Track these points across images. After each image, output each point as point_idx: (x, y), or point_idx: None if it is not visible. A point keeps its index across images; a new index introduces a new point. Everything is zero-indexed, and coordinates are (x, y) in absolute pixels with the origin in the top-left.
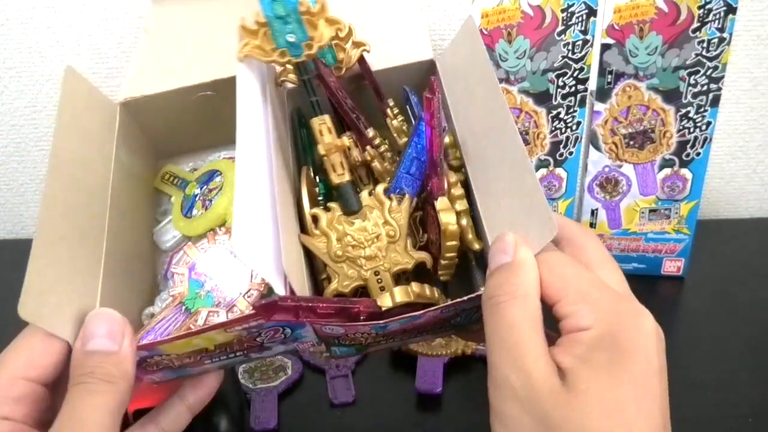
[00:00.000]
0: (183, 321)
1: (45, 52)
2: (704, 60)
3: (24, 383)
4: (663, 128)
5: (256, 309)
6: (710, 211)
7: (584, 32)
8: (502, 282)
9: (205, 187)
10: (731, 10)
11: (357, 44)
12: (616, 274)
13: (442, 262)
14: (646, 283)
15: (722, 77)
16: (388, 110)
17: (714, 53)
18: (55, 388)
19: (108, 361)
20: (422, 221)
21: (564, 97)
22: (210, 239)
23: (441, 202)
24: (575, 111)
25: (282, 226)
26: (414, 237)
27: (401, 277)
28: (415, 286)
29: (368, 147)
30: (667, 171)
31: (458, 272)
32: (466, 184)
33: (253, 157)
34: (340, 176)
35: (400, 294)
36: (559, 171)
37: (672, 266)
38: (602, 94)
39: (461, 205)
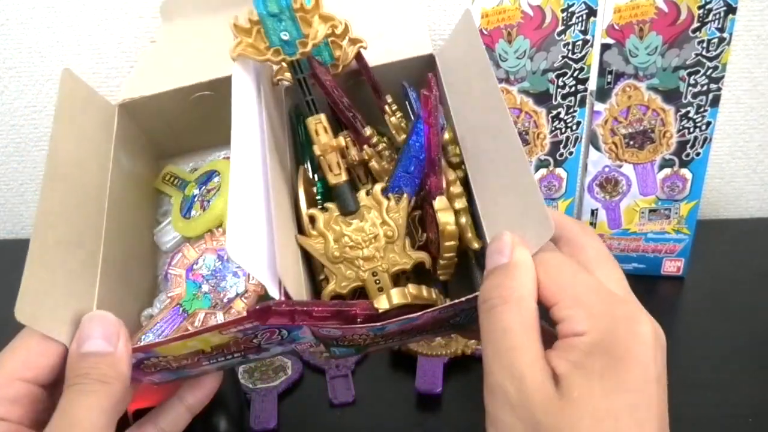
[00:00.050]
0: (180, 323)
1: (45, 52)
2: (704, 60)
3: (21, 384)
4: (663, 128)
5: (249, 314)
6: (710, 211)
7: (584, 32)
8: (497, 285)
9: (203, 187)
10: (731, 10)
11: (354, 41)
12: (616, 274)
13: (441, 261)
14: (646, 283)
15: (722, 77)
16: (386, 107)
17: (714, 53)
18: (53, 390)
19: (103, 362)
20: (421, 220)
21: (564, 97)
22: (207, 240)
23: (439, 202)
24: (575, 111)
25: (277, 228)
26: (413, 236)
27: (400, 278)
28: (412, 288)
29: (365, 146)
30: (667, 171)
31: (458, 271)
32: (465, 181)
33: (248, 158)
34: (336, 176)
35: (397, 296)
36: (559, 171)
37: (672, 266)
38: (602, 94)
39: (460, 203)
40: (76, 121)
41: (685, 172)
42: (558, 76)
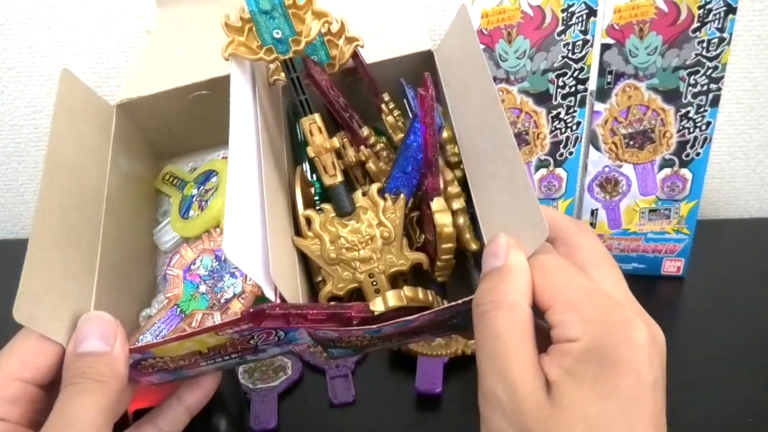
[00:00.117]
0: (178, 323)
1: (45, 52)
2: (704, 60)
3: (19, 384)
4: (663, 128)
5: (243, 317)
6: (710, 211)
7: (584, 32)
8: (490, 289)
9: (201, 187)
10: (731, 10)
11: (350, 39)
12: (614, 275)
13: (439, 263)
14: (646, 283)
15: (722, 77)
16: (383, 106)
17: (714, 53)
18: (51, 390)
19: (100, 362)
20: (419, 221)
21: (564, 97)
22: (205, 241)
23: (437, 203)
24: (575, 111)
25: (271, 231)
26: (411, 238)
27: (398, 279)
28: (407, 290)
29: (362, 147)
30: (667, 171)
31: (457, 272)
32: (464, 181)
33: (245, 159)
34: (332, 177)
35: (393, 298)
36: (559, 171)
37: (672, 266)
38: (602, 94)
39: (458, 203)
40: (74, 122)
41: (685, 172)
42: (558, 76)
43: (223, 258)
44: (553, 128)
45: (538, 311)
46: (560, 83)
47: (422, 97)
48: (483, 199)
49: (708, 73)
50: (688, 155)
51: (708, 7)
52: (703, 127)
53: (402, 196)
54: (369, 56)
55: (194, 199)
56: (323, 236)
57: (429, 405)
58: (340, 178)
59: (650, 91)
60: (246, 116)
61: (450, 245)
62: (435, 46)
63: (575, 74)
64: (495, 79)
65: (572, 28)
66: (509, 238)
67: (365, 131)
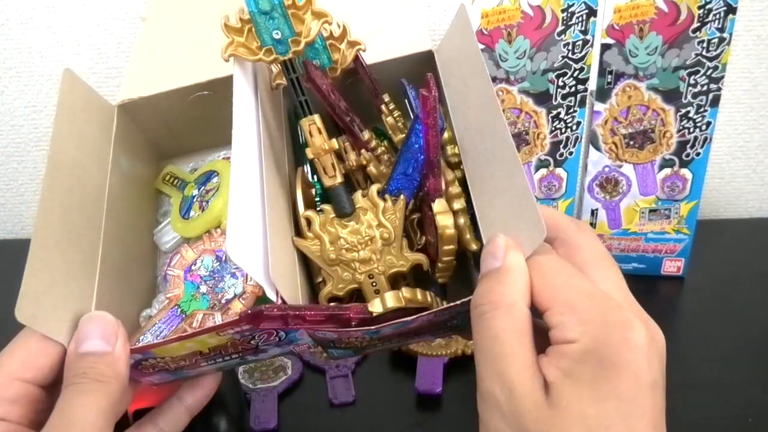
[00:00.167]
0: (178, 323)
1: (45, 52)
2: (704, 60)
3: (20, 384)
4: (663, 128)
5: (242, 318)
6: (710, 211)
7: (584, 32)
8: (488, 290)
9: (202, 188)
10: (731, 10)
11: (352, 44)
12: (614, 275)
13: (439, 265)
14: (646, 283)
15: (722, 77)
16: (383, 107)
17: (714, 53)
18: (53, 390)
19: (101, 362)
20: (420, 223)
21: (564, 97)
22: (206, 241)
23: (438, 205)
24: (575, 111)
25: (271, 232)
26: (411, 239)
27: (398, 280)
28: (406, 291)
29: (363, 150)
30: (667, 171)
31: (457, 272)
32: (464, 181)
33: (247, 161)
34: (331, 178)
35: (391, 299)
36: (559, 171)
37: (672, 266)
38: (602, 94)
39: (459, 203)
40: (76, 122)
41: (685, 172)
42: (558, 76)
43: (223, 258)
44: (553, 128)
45: (537, 312)
46: (560, 83)
47: (425, 98)
48: (482, 199)
49: (708, 73)
50: (688, 155)
51: (708, 7)
52: (703, 127)
53: (402, 196)
54: (369, 56)
55: (195, 200)
56: (323, 237)
57: (429, 405)
58: (339, 179)
59: (650, 91)
60: (248, 118)
61: (451, 247)
62: (435, 47)
63: (575, 74)
64: (495, 79)
65: (572, 28)
66: (507, 238)
67: (366, 135)
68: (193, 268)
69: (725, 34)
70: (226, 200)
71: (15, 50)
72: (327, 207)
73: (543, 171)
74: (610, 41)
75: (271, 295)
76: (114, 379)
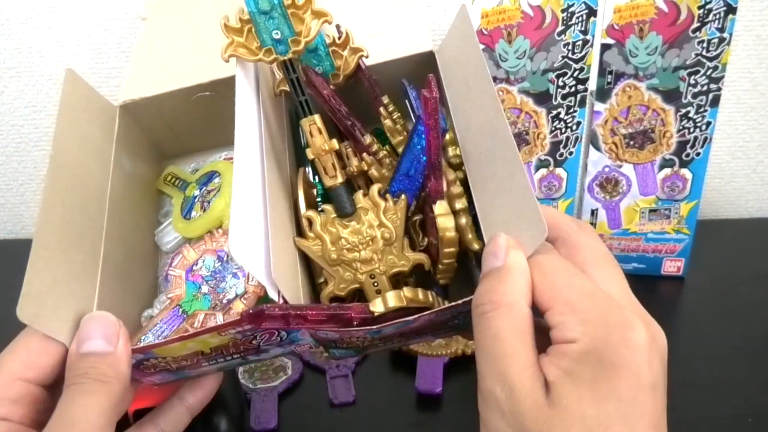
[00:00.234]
0: (180, 323)
1: (45, 52)
2: (704, 60)
3: (22, 384)
4: (663, 128)
5: (243, 317)
6: (710, 211)
7: (584, 32)
8: (489, 289)
9: (204, 188)
10: (731, 10)
11: (355, 50)
12: (616, 275)
13: (440, 266)
14: (646, 283)
15: (722, 77)
16: (381, 109)
17: (714, 53)
18: (54, 390)
19: (103, 362)
20: (422, 225)
21: (564, 97)
22: (207, 241)
23: (439, 207)
24: (575, 111)
25: (273, 232)
26: (413, 240)
27: (400, 280)
28: (407, 291)
29: (365, 154)
30: (667, 171)
31: (459, 271)
32: (465, 181)
33: (250, 160)
34: (332, 179)
35: (392, 299)
36: (559, 171)
37: (672, 266)
38: (602, 94)
39: (460, 203)
40: (78, 122)
41: (685, 172)
42: (558, 76)
43: (225, 258)
44: (553, 128)
45: (538, 311)
46: (560, 83)
47: (426, 99)
48: (483, 199)
49: (708, 73)
50: (688, 155)
51: (708, 7)
52: (703, 127)
53: (403, 196)
54: (370, 57)
55: (197, 200)
56: (324, 237)
57: (429, 405)
58: (340, 179)
59: (650, 91)
60: (250, 118)
61: (452, 249)
62: (436, 47)
63: (575, 74)
64: (495, 79)
65: (572, 28)
66: (509, 238)
67: (368, 139)
68: (194, 268)
69: (725, 34)
70: (228, 201)
71: (15, 50)
72: (328, 207)
73: (543, 171)
74: (610, 41)
75: (273, 294)
76: (115, 379)
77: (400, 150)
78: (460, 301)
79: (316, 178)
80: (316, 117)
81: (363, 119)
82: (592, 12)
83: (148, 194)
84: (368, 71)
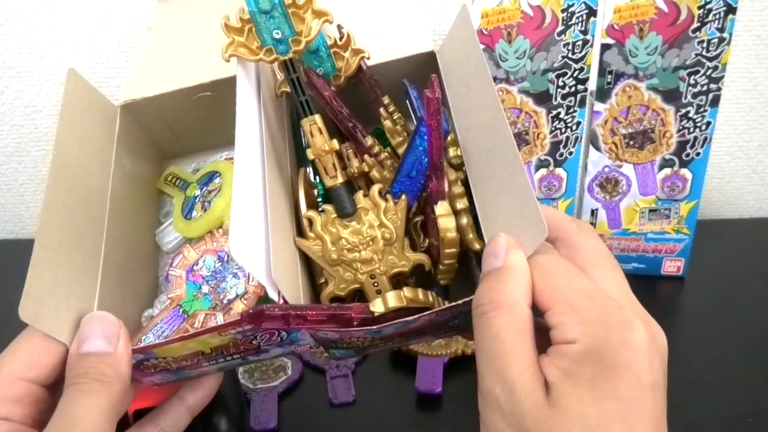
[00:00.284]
0: (180, 324)
1: (45, 52)
2: (704, 60)
3: (23, 384)
4: (663, 128)
5: (243, 318)
6: (710, 211)
7: (584, 32)
8: (489, 289)
9: (204, 188)
10: (731, 10)
11: (356, 51)
12: (616, 275)
13: (441, 267)
14: (646, 283)
15: (722, 77)
16: (382, 110)
17: (714, 53)
18: (55, 390)
19: (103, 362)
20: (423, 226)
21: (564, 97)
22: (208, 241)
23: (440, 207)
24: (575, 111)
25: (273, 232)
26: (414, 242)
27: (400, 280)
28: (407, 291)
29: (366, 156)
30: (667, 171)
31: (460, 271)
32: (467, 182)
33: (251, 161)
34: (332, 179)
35: (393, 299)
36: (559, 171)
37: (672, 266)
38: (602, 94)
39: (462, 203)
40: (79, 122)
41: (685, 172)
42: (558, 76)
43: (225, 258)
44: (553, 128)
45: (538, 311)
46: (560, 83)
47: (429, 99)
48: (483, 199)
49: (708, 73)
50: (688, 155)
51: (708, 7)
52: (703, 127)
53: (404, 197)
54: (372, 58)
55: (197, 200)
56: (324, 237)
57: (429, 405)
58: (340, 179)
59: (650, 91)
60: (251, 119)
61: (453, 250)
62: (436, 47)
63: (575, 74)
64: (495, 79)
65: (572, 28)
66: (509, 238)
67: (369, 141)
68: (195, 268)
69: (725, 34)
70: (228, 201)
71: (15, 50)
72: (328, 207)
73: (543, 171)
74: (610, 41)
75: (273, 295)
76: (116, 380)
77: (399, 151)
78: (460, 302)
79: (317, 178)
80: (317, 117)
81: (364, 120)
82: (592, 12)
83: (148, 194)
84: (369, 72)
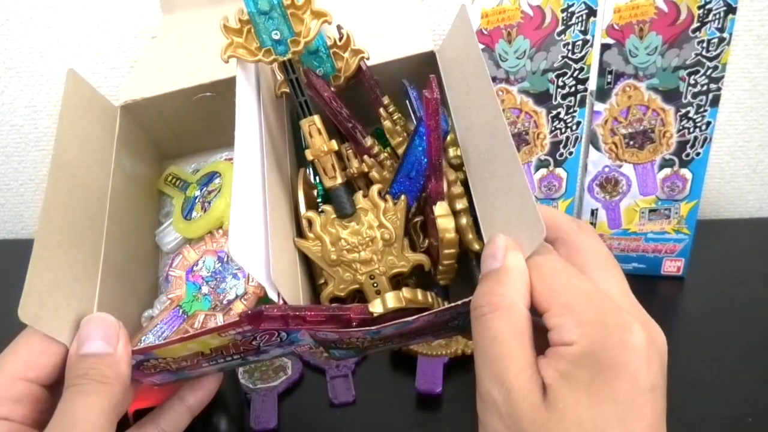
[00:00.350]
0: (180, 324)
1: (45, 52)
2: (704, 60)
3: (23, 384)
4: (663, 128)
5: (242, 318)
6: (710, 211)
7: (584, 32)
8: (487, 291)
9: (204, 188)
10: (731, 10)
11: (356, 52)
12: (616, 276)
13: (441, 267)
14: (646, 283)
15: (722, 77)
16: (382, 110)
17: (714, 53)
18: (55, 390)
19: (102, 363)
20: (423, 227)
21: (564, 97)
22: (208, 242)
23: (440, 208)
24: (575, 111)
25: (273, 233)
26: (414, 242)
27: (400, 280)
28: (406, 292)
29: (365, 156)
30: (667, 171)
31: (460, 272)
32: (466, 182)
33: (250, 161)
34: (331, 179)
35: (392, 299)
36: (559, 171)
37: (672, 266)
38: (602, 94)
39: (461, 204)
40: (80, 122)
41: (685, 172)
42: (558, 76)
43: (225, 259)
44: (553, 128)
45: (536, 313)
46: (560, 83)
47: (428, 100)
48: (482, 199)
49: (708, 73)
50: (688, 155)
51: (708, 7)
52: (703, 127)
53: (403, 197)
54: (371, 58)
55: (197, 201)
56: (324, 238)
57: (429, 405)
58: (340, 179)
59: (650, 91)
60: (251, 119)
61: (452, 251)
62: (436, 47)
63: (575, 74)
64: (495, 79)
65: (572, 28)
66: (507, 239)
67: (369, 141)
68: (194, 268)
69: (725, 34)
70: (228, 201)
71: (15, 50)
72: (328, 208)
73: (543, 171)
74: (610, 41)
75: (273, 295)
76: (115, 380)
77: (399, 151)
78: (459, 302)
79: (317, 178)
80: (316, 118)
81: (363, 120)
82: (592, 12)
83: (148, 194)
84: (369, 72)
